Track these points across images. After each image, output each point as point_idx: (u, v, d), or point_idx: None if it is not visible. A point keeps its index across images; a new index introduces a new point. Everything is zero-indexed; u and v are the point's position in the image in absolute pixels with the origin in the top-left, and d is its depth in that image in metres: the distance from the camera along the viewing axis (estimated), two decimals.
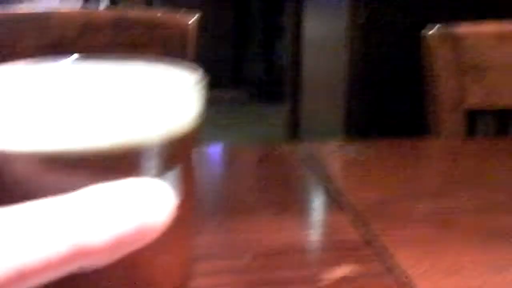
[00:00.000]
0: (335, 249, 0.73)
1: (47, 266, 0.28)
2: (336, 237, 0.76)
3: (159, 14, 1.18)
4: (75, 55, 0.40)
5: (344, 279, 0.66)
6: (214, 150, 1.07)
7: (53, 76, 0.40)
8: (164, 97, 0.34)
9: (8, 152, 0.32)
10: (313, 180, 0.94)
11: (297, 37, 3.20)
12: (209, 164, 0.99)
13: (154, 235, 0.30)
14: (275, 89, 4.30)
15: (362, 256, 0.71)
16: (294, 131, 3.25)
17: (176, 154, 0.35)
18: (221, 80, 4.44)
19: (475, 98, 1.32)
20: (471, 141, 1.27)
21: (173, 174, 0.35)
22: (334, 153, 1.05)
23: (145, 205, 0.30)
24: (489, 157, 1.05)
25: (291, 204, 0.86)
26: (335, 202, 0.85)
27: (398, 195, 0.88)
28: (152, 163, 0.34)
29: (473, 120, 1.33)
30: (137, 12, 1.21)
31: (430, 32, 1.30)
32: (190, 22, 1.16)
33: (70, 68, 0.41)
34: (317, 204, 0.87)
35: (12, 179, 0.33)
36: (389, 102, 2.57)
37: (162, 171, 0.35)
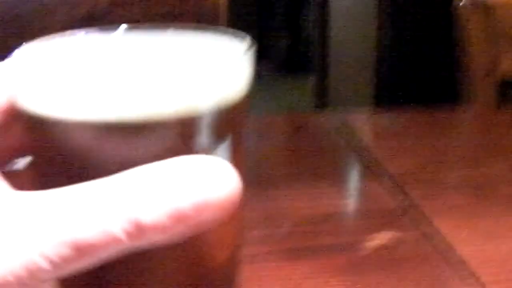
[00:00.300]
0: (374, 217, 0.73)
1: (104, 241, 0.28)
2: (374, 205, 0.77)
3: None
4: (124, 25, 0.41)
5: (384, 246, 0.66)
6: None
7: (106, 46, 0.41)
8: (216, 65, 0.35)
9: (70, 121, 0.33)
10: (348, 149, 0.94)
11: (324, 5, 3.17)
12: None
13: (218, 213, 0.29)
14: (302, 60, 4.28)
15: (401, 223, 0.71)
16: (322, 102, 3.24)
17: (228, 123, 0.36)
18: None
19: (507, 67, 1.31)
20: (503, 110, 1.26)
21: (225, 144, 0.36)
22: (368, 122, 1.05)
23: (204, 182, 0.29)
24: None
25: (328, 173, 0.86)
26: (371, 170, 0.85)
27: (433, 163, 0.88)
28: (205, 132, 0.34)
29: (506, 89, 1.33)
30: None
31: (462, 2, 1.29)
32: None
33: (120, 38, 0.41)
34: (354, 172, 0.87)
35: (74, 147, 0.33)
36: (419, 71, 2.56)
37: (214, 140, 0.35)
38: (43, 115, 0.34)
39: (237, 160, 0.36)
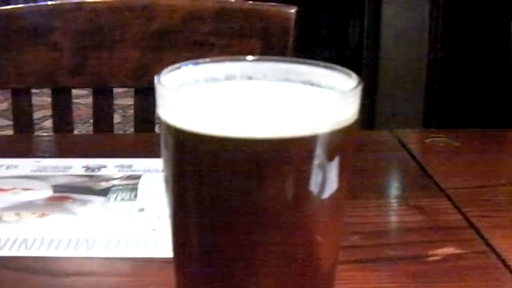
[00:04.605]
0: (437, 230, 0.79)
1: None
2: (433, 221, 0.82)
3: (260, 4, 1.24)
4: (250, 56, 0.48)
5: (450, 257, 0.72)
6: None
7: (237, 73, 0.48)
8: (332, 97, 0.42)
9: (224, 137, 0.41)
10: (407, 167, 0.99)
11: (375, 22, 3.19)
12: None
13: None
14: None
15: (460, 239, 0.77)
16: (369, 119, 3.25)
17: (340, 143, 0.43)
18: None
19: None
20: None
21: (337, 159, 0.43)
22: (424, 141, 1.10)
23: None
24: None
25: (391, 188, 0.92)
26: (431, 187, 0.91)
27: (491, 182, 0.93)
28: (321, 148, 0.41)
29: None
30: (239, 2, 1.27)
31: None
32: (291, 12, 1.21)
33: (247, 67, 0.48)
34: (415, 188, 0.92)
35: (223, 159, 0.41)
36: (471, 92, 2.57)
37: (328, 156, 0.42)
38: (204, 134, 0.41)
39: (345, 173, 0.44)
